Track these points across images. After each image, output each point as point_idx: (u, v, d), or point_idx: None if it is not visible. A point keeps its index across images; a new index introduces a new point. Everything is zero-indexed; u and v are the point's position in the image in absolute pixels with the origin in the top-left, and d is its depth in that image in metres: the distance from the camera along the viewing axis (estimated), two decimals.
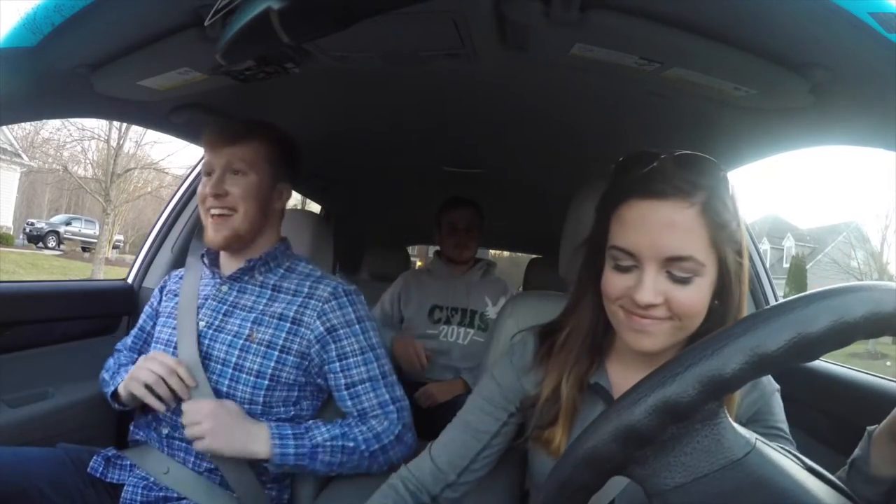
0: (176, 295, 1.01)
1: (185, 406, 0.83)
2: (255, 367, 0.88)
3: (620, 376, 0.66)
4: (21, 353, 1.14)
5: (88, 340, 1.30)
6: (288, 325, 0.90)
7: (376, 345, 0.93)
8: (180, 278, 1.05)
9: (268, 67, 0.87)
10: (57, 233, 15.66)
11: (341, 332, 0.90)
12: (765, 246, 22.26)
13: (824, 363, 1.04)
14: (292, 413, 0.92)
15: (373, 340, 0.93)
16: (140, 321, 1.09)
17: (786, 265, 20.13)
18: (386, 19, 0.61)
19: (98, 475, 0.89)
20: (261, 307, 0.92)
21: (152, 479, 0.88)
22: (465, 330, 1.73)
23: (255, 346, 0.89)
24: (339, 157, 1.66)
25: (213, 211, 0.91)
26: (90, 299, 1.37)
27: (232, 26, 0.58)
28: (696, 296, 0.56)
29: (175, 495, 0.87)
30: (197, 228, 1.15)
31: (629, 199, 0.57)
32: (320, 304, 0.91)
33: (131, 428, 0.98)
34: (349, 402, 0.90)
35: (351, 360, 0.90)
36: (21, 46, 0.69)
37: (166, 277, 1.10)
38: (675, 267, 0.55)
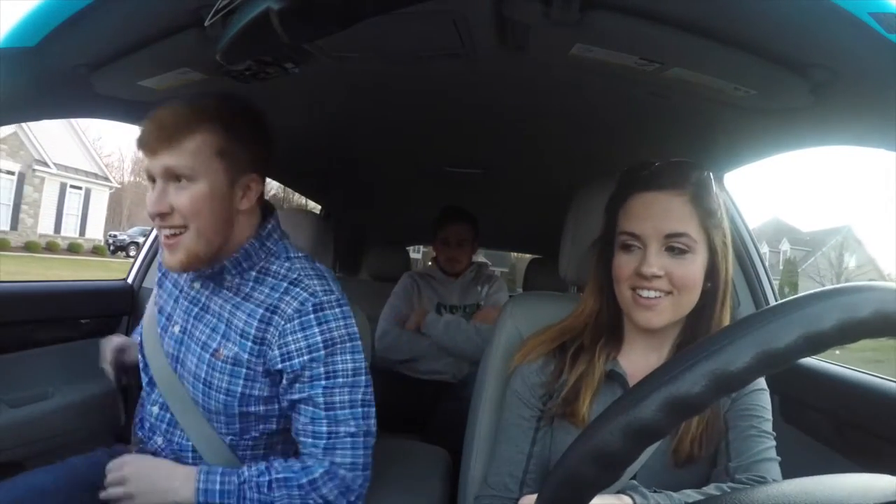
0: (175, 286, 0.91)
1: (108, 466, 0.78)
2: (224, 385, 0.77)
3: (632, 364, 0.74)
4: (21, 353, 1.14)
5: (88, 340, 1.30)
6: (250, 343, 0.77)
7: (341, 382, 0.78)
8: None
9: (268, 67, 0.87)
10: (137, 243, 17.15)
11: (296, 360, 0.76)
12: (763, 249, 22.87)
13: (825, 363, 1.04)
14: (272, 427, 0.83)
15: (335, 378, 0.77)
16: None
17: (781, 268, 20.82)
18: (386, 19, 0.61)
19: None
20: (226, 316, 0.79)
21: None
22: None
23: (220, 363, 0.78)
24: (340, 157, 1.66)
25: (163, 231, 0.75)
26: (90, 299, 1.37)
27: (232, 26, 0.58)
28: (691, 269, 0.66)
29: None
30: None
31: (634, 193, 0.70)
32: (283, 323, 0.76)
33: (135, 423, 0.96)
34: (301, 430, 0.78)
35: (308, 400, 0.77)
36: (21, 46, 0.69)
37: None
38: (673, 241, 0.66)
